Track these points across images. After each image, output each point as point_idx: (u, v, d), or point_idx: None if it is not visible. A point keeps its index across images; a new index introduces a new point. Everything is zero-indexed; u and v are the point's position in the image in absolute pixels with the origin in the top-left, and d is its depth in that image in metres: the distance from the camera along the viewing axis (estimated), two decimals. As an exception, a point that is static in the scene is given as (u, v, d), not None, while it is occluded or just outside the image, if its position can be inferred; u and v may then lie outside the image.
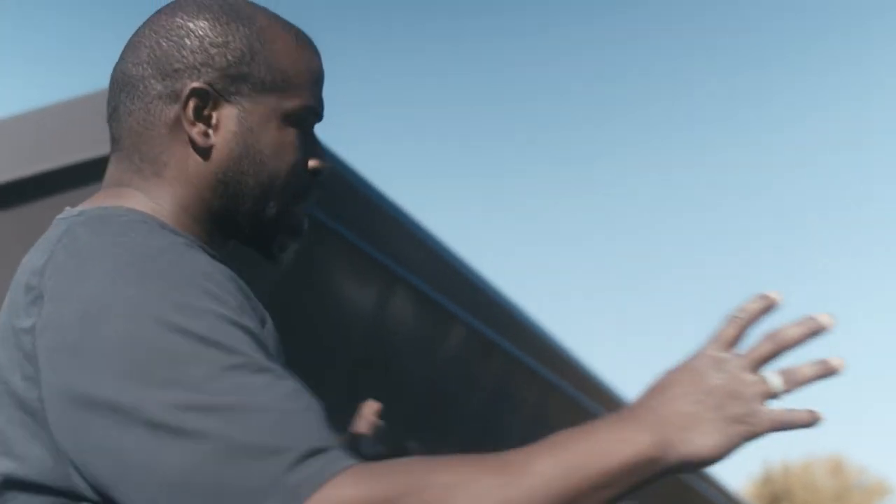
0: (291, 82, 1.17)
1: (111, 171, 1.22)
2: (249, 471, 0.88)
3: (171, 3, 1.21)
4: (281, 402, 0.92)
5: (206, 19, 1.17)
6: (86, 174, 2.79)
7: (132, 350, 0.94)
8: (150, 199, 1.16)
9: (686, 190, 55.21)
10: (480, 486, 0.91)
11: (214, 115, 1.15)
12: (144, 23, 1.20)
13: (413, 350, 4.79)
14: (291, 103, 1.17)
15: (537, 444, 0.97)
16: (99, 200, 1.17)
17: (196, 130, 1.15)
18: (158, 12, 1.20)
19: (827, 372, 0.99)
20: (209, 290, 0.98)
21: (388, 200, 4.08)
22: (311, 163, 1.20)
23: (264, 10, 1.21)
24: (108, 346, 0.95)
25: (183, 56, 1.15)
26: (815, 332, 1.00)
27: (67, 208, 1.18)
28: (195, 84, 1.14)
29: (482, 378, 5.58)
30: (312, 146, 1.20)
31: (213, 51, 1.15)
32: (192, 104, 1.14)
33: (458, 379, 5.35)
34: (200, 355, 0.93)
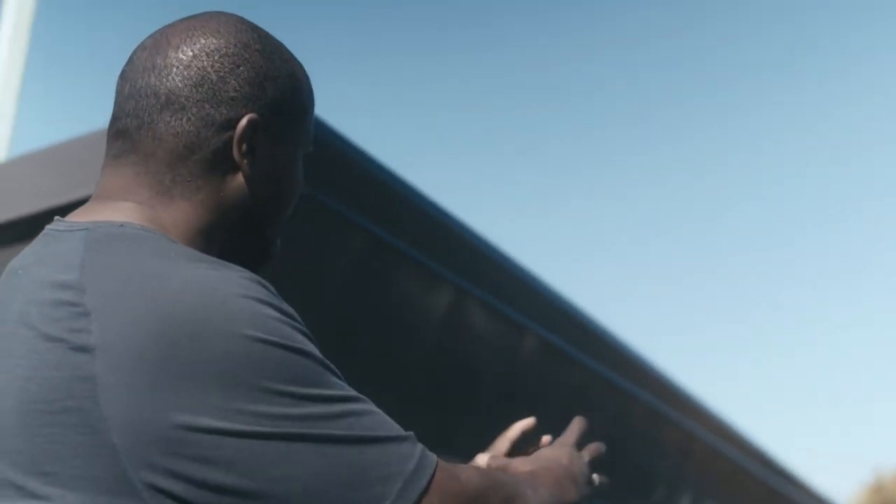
0: (307, 121, 1.25)
1: (111, 181, 1.23)
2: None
3: (208, 21, 1.21)
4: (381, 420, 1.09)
5: (257, 51, 1.19)
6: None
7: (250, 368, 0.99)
8: (157, 216, 1.18)
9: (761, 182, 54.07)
10: (539, 496, 1.28)
11: (258, 148, 1.18)
12: (183, 40, 1.20)
13: (486, 359, 4.88)
14: (307, 139, 1.24)
15: (531, 472, 1.36)
16: (99, 214, 1.20)
17: (245, 162, 1.18)
18: (201, 31, 1.20)
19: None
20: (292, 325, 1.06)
21: (448, 213, 4.18)
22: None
23: (283, 45, 1.25)
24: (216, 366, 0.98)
25: (239, 85, 1.17)
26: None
27: (57, 219, 1.23)
28: (252, 116, 1.17)
29: (559, 386, 5.64)
30: None
31: (267, 84, 1.18)
32: (240, 129, 1.17)
33: (535, 387, 5.42)
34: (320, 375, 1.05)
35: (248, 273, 1.06)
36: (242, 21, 1.22)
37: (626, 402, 6.44)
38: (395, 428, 1.08)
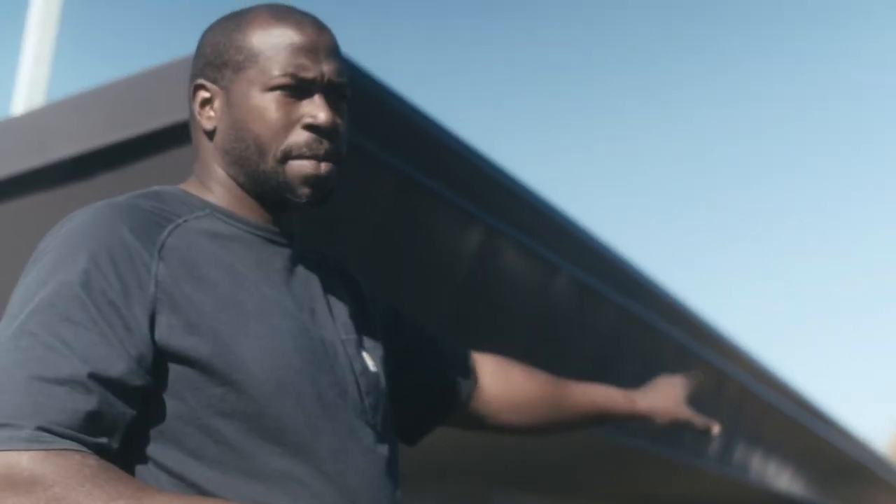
0: (263, 57, 1.34)
1: None
2: None
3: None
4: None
5: (212, 29, 1.42)
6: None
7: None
8: (195, 178, 1.45)
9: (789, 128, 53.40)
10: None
11: (213, 101, 1.39)
12: None
13: (519, 300, 4.93)
14: (265, 74, 1.34)
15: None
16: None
17: (204, 116, 1.40)
18: None
19: None
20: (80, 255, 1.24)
21: (482, 155, 4.21)
22: (305, 119, 1.34)
23: (268, 6, 1.39)
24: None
25: (195, 62, 1.42)
26: None
27: None
28: (196, 81, 1.41)
29: (593, 326, 5.69)
30: (308, 105, 1.35)
31: (207, 50, 1.40)
32: (197, 97, 1.41)
33: (568, 326, 5.47)
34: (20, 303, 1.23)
35: (115, 200, 1.31)
36: (229, 12, 1.42)
37: (659, 341, 6.49)
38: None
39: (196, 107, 1.41)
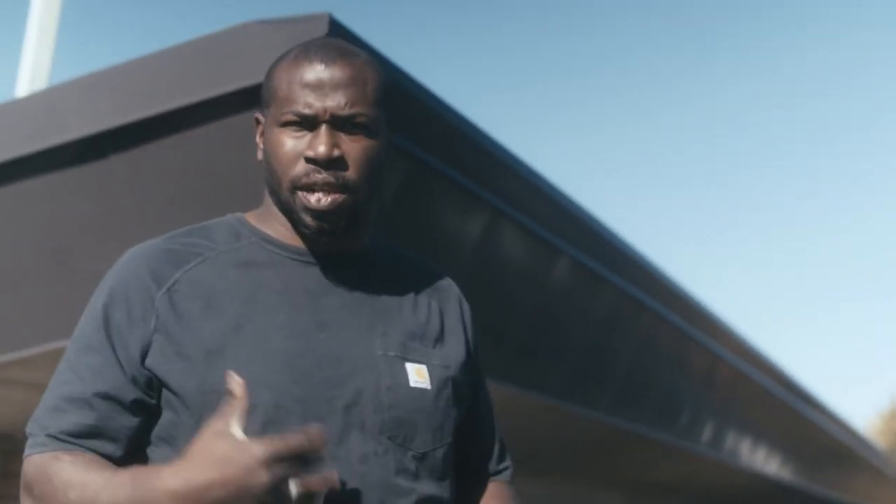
0: (280, 95, 1.44)
1: None
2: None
3: None
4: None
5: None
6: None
7: None
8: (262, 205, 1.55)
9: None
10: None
11: (264, 136, 1.48)
12: None
13: (520, 282, 4.95)
14: (279, 111, 1.44)
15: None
16: None
17: (259, 147, 1.50)
18: None
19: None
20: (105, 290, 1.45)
21: (491, 138, 4.22)
22: (306, 152, 1.41)
23: (302, 45, 1.50)
24: None
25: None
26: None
27: None
28: (255, 114, 1.52)
29: (591, 308, 5.73)
30: (312, 138, 1.42)
31: (262, 86, 1.51)
32: (257, 130, 1.50)
33: (567, 309, 5.50)
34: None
35: (149, 241, 1.47)
36: (301, 45, 1.51)
37: (655, 324, 6.53)
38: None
39: (257, 138, 1.51)
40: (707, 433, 8.56)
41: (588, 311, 5.71)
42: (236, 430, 1.23)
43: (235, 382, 1.26)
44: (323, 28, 3.03)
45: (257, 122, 1.50)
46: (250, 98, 3.10)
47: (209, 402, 1.32)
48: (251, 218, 1.52)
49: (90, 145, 3.27)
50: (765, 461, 11.04)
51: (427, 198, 3.84)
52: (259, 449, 1.21)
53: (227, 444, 1.23)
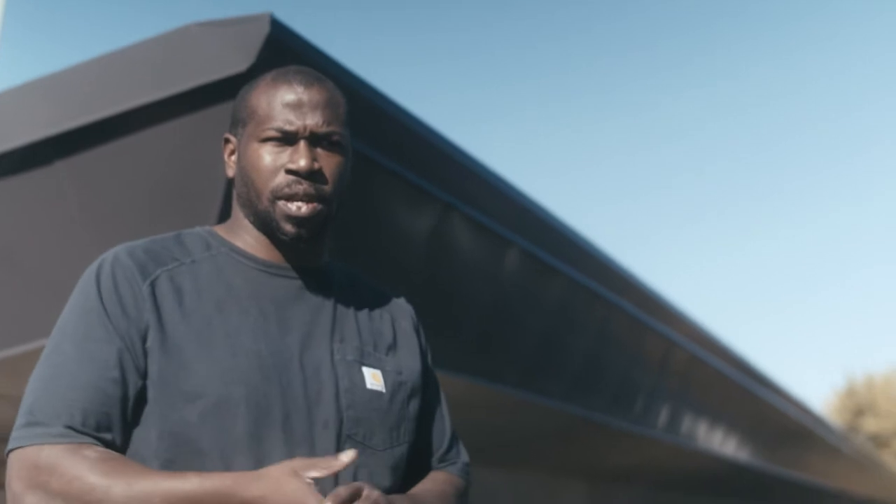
0: (260, 113, 1.57)
1: None
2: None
3: None
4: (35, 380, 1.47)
5: (241, 90, 1.65)
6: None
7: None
8: (231, 219, 1.66)
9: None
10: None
11: (233, 153, 1.63)
12: None
13: (473, 275, 4.98)
14: (260, 128, 1.57)
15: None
16: None
17: (228, 165, 1.64)
18: None
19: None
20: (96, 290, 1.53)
21: (440, 135, 4.24)
22: (287, 164, 1.54)
23: (277, 71, 1.63)
24: None
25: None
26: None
27: None
28: (224, 134, 1.65)
29: (544, 298, 5.77)
30: (292, 153, 1.56)
31: (233, 108, 1.64)
32: (226, 149, 1.65)
33: (520, 299, 5.54)
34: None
35: (132, 242, 1.57)
36: (275, 71, 1.63)
37: (608, 312, 6.59)
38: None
39: (225, 157, 1.64)
40: (663, 418, 8.65)
41: (541, 302, 5.75)
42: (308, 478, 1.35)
43: (348, 456, 1.38)
44: (265, 28, 3.03)
45: (226, 141, 1.64)
46: (193, 100, 3.10)
47: (188, 393, 1.45)
48: (220, 231, 1.64)
49: (34, 152, 3.25)
50: (722, 443, 11.17)
51: (377, 195, 3.85)
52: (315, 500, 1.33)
53: (297, 484, 1.34)
